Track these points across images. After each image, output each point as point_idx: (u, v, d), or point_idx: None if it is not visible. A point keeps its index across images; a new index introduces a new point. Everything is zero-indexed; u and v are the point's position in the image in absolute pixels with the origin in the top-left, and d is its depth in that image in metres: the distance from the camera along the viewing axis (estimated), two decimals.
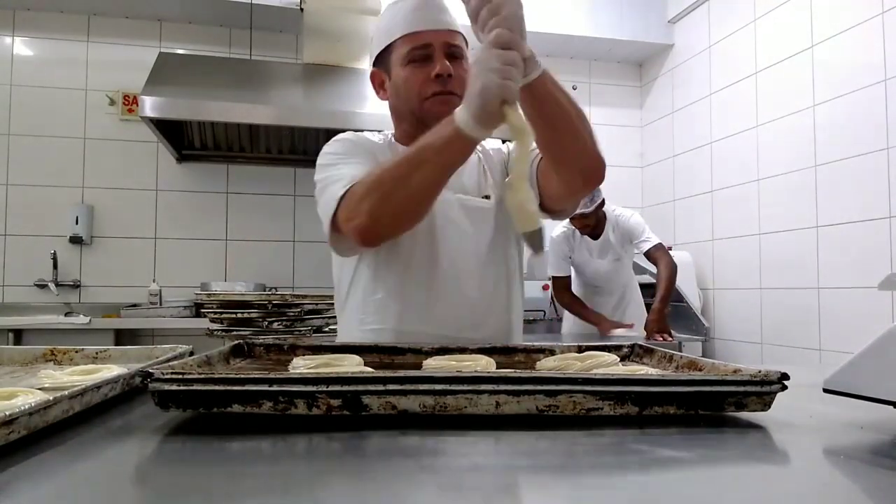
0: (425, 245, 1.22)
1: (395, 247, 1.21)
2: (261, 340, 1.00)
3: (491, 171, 1.32)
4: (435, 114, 1.18)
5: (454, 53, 1.21)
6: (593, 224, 2.93)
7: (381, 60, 1.27)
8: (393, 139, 1.35)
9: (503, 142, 1.40)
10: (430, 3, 1.22)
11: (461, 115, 0.95)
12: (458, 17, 1.22)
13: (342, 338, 1.31)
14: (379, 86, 1.31)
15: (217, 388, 0.62)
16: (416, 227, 1.12)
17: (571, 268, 3.07)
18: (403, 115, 1.28)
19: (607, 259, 3.00)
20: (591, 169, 1.21)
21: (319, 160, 1.25)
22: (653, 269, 3.39)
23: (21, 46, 3.30)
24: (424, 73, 1.19)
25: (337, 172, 1.19)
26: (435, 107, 1.20)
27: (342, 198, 1.11)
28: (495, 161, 1.34)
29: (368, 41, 3.21)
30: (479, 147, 1.31)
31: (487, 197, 1.28)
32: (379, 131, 1.38)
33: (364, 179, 1.10)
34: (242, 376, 0.64)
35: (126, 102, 3.33)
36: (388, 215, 1.06)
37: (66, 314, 2.92)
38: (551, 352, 0.99)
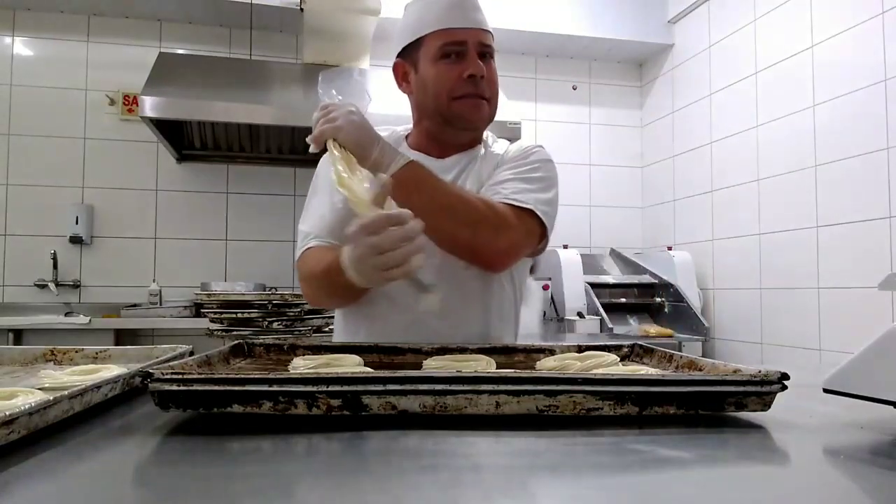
0: None
1: None
2: (261, 340, 1.00)
3: (478, 177, 1.27)
4: (464, 116, 1.22)
5: (486, 53, 1.21)
6: None
7: (408, 53, 1.25)
8: (405, 140, 1.32)
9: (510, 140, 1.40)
10: (467, 0, 1.21)
11: (345, 263, 0.91)
12: (491, 16, 1.25)
13: (338, 337, 1.31)
14: (402, 77, 1.29)
15: (217, 388, 0.62)
16: None
17: None
18: (428, 112, 1.26)
19: None
20: (476, 261, 1.13)
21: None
22: (653, 269, 3.40)
23: (21, 46, 3.30)
24: (457, 71, 1.18)
25: (305, 213, 1.28)
26: (465, 108, 1.21)
27: (300, 258, 1.22)
28: (489, 167, 1.28)
29: (368, 41, 3.23)
30: (480, 151, 1.31)
31: None
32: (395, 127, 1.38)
33: (305, 263, 1.18)
34: (242, 376, 0.64)
35: (126, 102, 3.33)
36: (319, 303, 1.32)
37: (66, 314, 2.92)
38: (551, 352, 0.99)
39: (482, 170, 1.26)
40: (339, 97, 1.11)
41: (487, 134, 1.35)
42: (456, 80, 1.18)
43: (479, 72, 1.18)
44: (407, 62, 1.26)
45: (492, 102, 1.24)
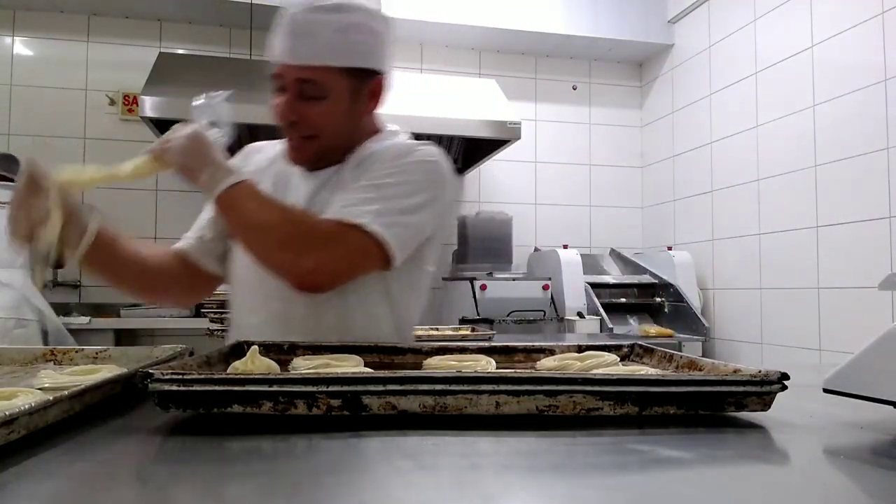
0: (237, 258, 1.21)
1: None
2: (260, 340, 1.00)
3: (344, 186, 1.16)
4: (289, 155, 1.17)
5: (307, 93, 1.08)
6: None
7: None
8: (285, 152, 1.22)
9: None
10: (295, 26, 1.06)
11: None
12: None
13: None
14: None
15: (217, 388, 0.62)
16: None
17: None
18: None
19: None
20: (289, 283, 1.06)
21: None
22: (653, 269, 3.40)
23: (21, 46, 3.30)
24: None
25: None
26: (287, 148, 1.16)
27: None
28: (358, 172, 1.17)
29: None
30: (350, 162, 1.18)
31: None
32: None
33: None
34: (242, 377, 0.64)
35: (126, 102, 3.33)
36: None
37: (66, 314, 2.92)
38: (551, 352, 0.99)
39: (347, 177, 1.16)
40: (208, 122, 1.13)
41: (385, 128, 1.25)
42: (278, 116, 1.12)
43: (282, 118, 1.10)
44: None
45: (319, 138, 1.12)
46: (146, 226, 3.35)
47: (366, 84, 1.12)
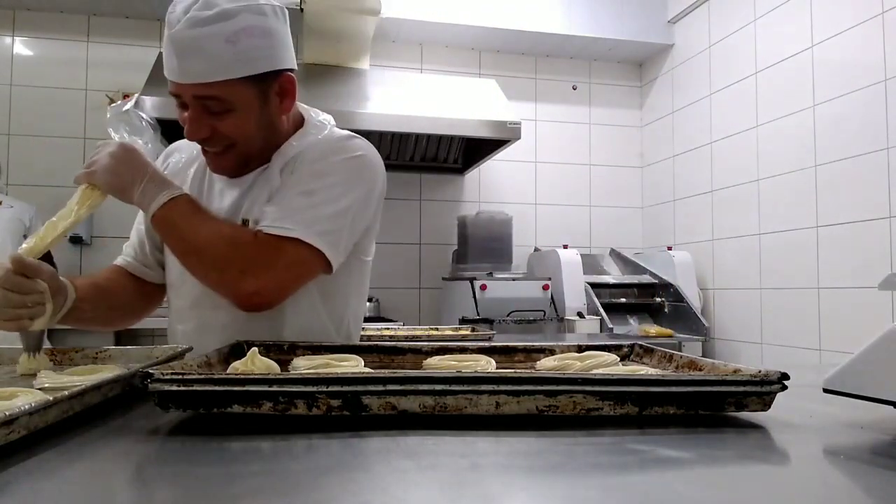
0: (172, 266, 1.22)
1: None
2: (260, 340, 1.00)
3: (270, 186, 1.15)
4: (209, 166, 1.16)
5: (212, 109, 1.03)
6: None
7: None
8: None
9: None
10: (180, 45, 0.98)
11: None
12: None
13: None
14: None
15: (217, 388, 0.62)
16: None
17: None
18: None
19: None
20: (233, 303, 1.05)
21: None
22: (653, 269, 3.40)
23: (21, 46, 3.30)
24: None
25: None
26: (206, 160, 1.14)
27: None
28: (282, 170, 1.15)
29: (368, 41, 3.23)
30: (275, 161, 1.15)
31: (245, 221, 1.12)
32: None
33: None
34: (242, 377, 0.64)
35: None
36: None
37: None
38: (551, 352, 0.99)
39: (274, 179, 1.13)
40: (127, 132, 1.13)
41: (309, 119, 1.21)
42: (188, 135, 1.08)
43: (193, 136, 1.06)
44: None
45: (236, 146, 1.08)
46: None
47: (271, 86, 1.07)
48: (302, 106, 1.23)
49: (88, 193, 1.06)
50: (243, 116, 1.05)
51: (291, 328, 1.13)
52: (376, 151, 1.18)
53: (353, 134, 1.20)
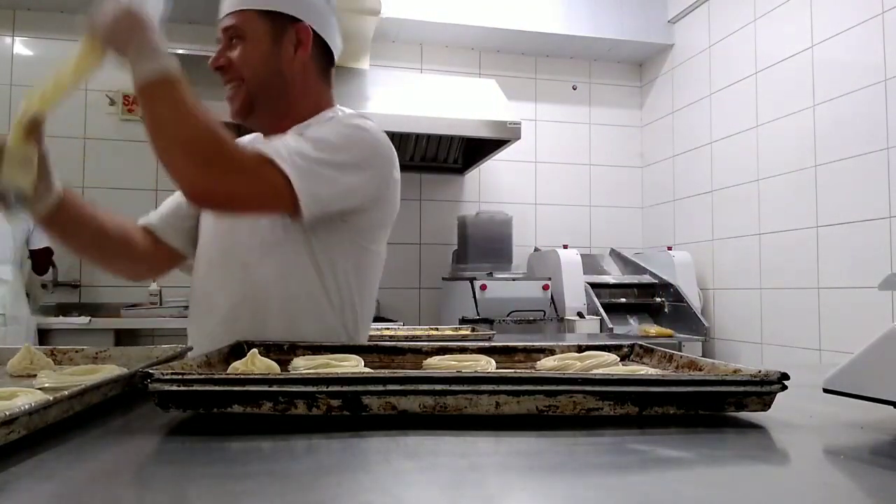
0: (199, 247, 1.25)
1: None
2: (260, 340, 1.00)
3: None
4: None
5: (231, 36, 1.16)
6: None
7: None
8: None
9: None
10: None
11: None
12: None
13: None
14: None
15: (217, 388, 0.62)
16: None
17: None
18: None
19: None
20: (184, 191, 1.04)
21: None
22: (653, 269, 3.40)
23: (21, 46, 3.30)
24: None
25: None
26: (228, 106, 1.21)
27: None
28: None
29: (368, 41, 3.23)
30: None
31: None
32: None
33: None
34: (242, 377, 0.64)
35: (126, 102, 3.33)
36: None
37: (66, 314, 2.92)
38: (551, 352, 0.99)
39: None
40: None
41: (336, 109, 1.26)
42: (210, 68, 1.20)
43: (212, 65, 1.18)
44: None
45: (245, 83, 1.16)
46: None
47: (287, 30, 1.15)
48: (332, 96, 1.28)
49: (87, 45, 1.07)
50: (252, 47, 1.14)
51: (305, 326, 1.13)
52: (386, 137, 1.18)
53: (366, 115, 1.21)
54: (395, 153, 1.19)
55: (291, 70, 1.17)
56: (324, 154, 1.05)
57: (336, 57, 1.27)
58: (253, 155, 1.02)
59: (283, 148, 1.03)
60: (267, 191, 1.02)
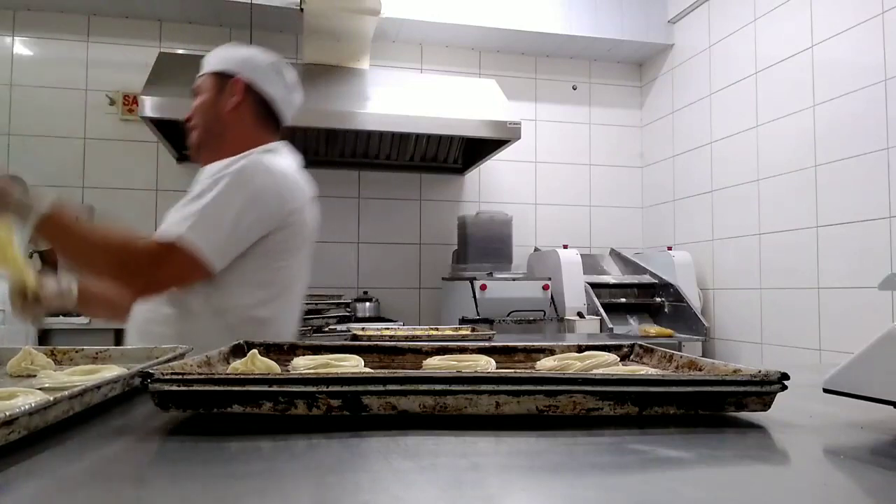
0: None
1: None
2: (261, 340, 1.00)
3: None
4: None
5: (195, 93, 1.47)
6: None
7: None
8: None
9: None
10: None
11: None
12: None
13: None
14: None
15: (217, 388, 0.62)
16: None
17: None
18: None
19: None
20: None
21: None
22: (653, 269, 3.40)
23: (21, 46, 3.30)
24: None
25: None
26: None
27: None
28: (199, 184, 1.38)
29: (368, 41, 3.23)
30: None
31: None
32: None
33: None
34: (242, 377, 0.64)
35: (126, 102, 3.33)
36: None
37: (66, 314, 2.92)
38: (551, 352, 0.99)
39: (195, 187, 1.38)
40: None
41: (266, 147, 1.43)
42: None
43: (185, 117, 1.47)
44: None
45: (196, 129, 1.45)
46: (146, 226, 3.35)
47: (226, 85, 1.43)
48: (276, 145, 1.45)
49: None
50: (203, 99, 1.45)
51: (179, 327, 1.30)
52: (282, 172, 1.35)
53: (271, 149, 1.41)
54: (295, 184, 1.37)
55: (227, 115, 1.42)
56: (214, 215, 1.24)
57: (286, 113, 1.51)
58: (153, 246, 1.22)
59: (182, 222, 1.23)
60: (180, 272, 1.24)
